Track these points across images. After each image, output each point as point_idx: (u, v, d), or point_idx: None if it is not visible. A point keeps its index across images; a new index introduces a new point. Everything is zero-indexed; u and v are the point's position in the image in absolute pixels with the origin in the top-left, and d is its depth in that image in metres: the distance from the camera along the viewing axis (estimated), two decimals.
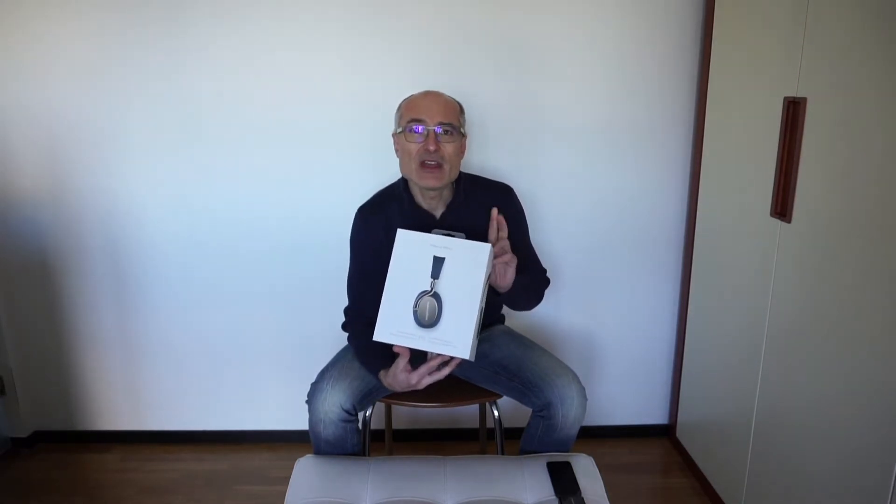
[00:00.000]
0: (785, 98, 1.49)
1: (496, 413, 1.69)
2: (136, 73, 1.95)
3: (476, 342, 1.30)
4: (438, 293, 1.30)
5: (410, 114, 1.46)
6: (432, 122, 1.44)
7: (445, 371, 1.35)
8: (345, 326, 1.64)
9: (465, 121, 1.54)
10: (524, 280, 1.46)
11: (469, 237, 1.32)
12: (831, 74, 1.34)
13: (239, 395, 2.24)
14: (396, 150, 1.53)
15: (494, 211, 1.38)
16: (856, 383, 1.28)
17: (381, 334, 1.31)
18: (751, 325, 1.68)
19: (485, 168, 2.04)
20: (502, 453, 1.71)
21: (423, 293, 1.30)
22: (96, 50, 1.93)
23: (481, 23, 1.94)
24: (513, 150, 2.05)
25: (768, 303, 1.59)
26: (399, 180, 1.59)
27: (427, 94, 1.50)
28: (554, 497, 1.34)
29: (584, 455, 1.49)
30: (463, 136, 1.50)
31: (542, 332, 2.20)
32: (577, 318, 2.21)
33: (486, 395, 1.66)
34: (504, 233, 1.38)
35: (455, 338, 1.28)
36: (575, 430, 1.53)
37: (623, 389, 2.29)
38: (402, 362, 1.36)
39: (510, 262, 1.35)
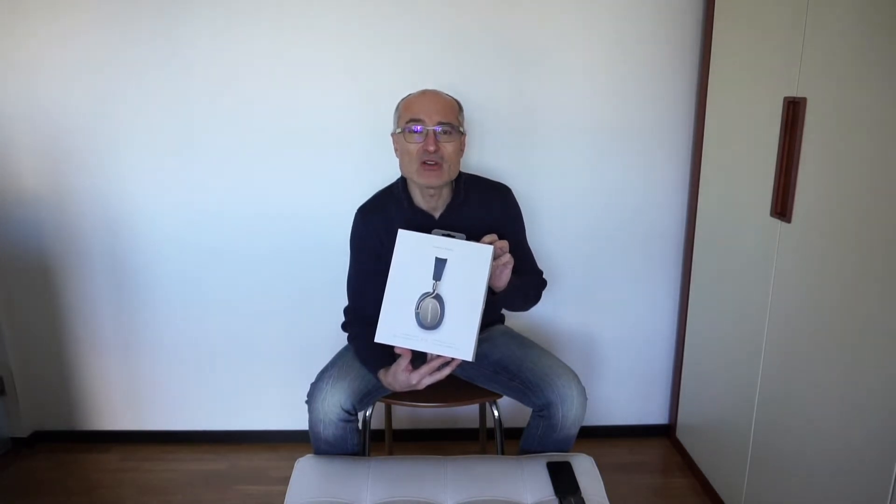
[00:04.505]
0: (785, 98, 1.49)
1: (496, 413, 1.69)
2: (136, 75, 1.95)
3: (477, 343, 1.30)
4: (441, 295, 1.30)
5: (409, 114, 1.46)
6: (431, 122, 1.43)
7: (446, 371, 1.35)
8: (345, 326, 1.64)
9: (463, 119, 1.54)
10: (520, 281, 1.46)
11: (468, 237, 1.32)
12: (831, 74, 1.34)
13: (239, 395, 2.24)
14: (396, 150, 1.53)
15: (494, 237, 1.35)
16: (856, 383, 1.28)
17: (382, 336, 1.31)
18: (751, 325, 1.68)
19: (483, 167, 2.04)
20: (502, 453, 1.71)
21: (426, 295, 1.30)
22: (97, 50, 1.93)
23: (480, 22, 1.94)
24: (512, 150, 2.05)
25: (768, 303, 1.59)
26: (398, 180, 1.59)
27: (425, 93, 1.50)
28: (554, 497, 1.34)
29: (584, 455, 1.49)
30: (462, 134, 1.50)
31: (542, 332, 2.20)
32: (577, 318, 2.21)
33: (486, 395, 1.66)
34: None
35: (457, 340, 1.28)
36: (575, 430, 1.53)
37: (623, 389, 2.29)
38: (403, 362, 1.36)
39: (508, 263, 1.35)
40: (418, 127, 1.44)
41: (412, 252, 1.32)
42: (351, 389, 1.51)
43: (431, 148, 1.43)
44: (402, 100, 1.52)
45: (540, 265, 1.68)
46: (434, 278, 1.30)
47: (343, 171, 2.04)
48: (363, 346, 1.52)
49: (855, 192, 1.27)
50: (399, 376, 1.37)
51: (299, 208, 2.07)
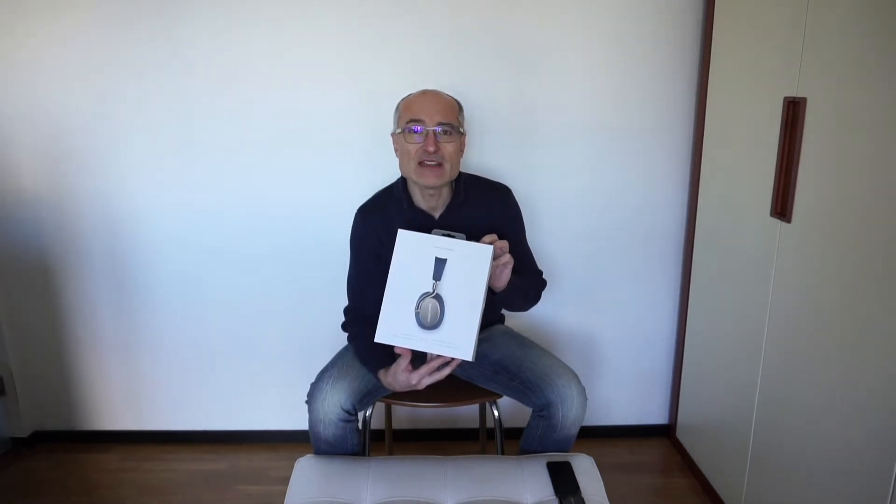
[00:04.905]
0: (785, 98, 1.49)
1: (496, 413, 1.69)
2: (136, 75, 1.95)
3: (477, 343, 1.30)
4: (440, 295, 1.30)
5: (409, 114, 1.46)
6: (431, 123, 1.43)
7: (446, 371, 1.35)
8: (345, 326, 1.64)
9: (463, 119, 1.54)
10: (520, 281, 1.46)
11: (468, 237, 1.32)
12: (831, 74, 1.34)
13: (239, 395, 2.24)
14: (396, 150, 1.53)
15: (493, 237, 1.35)
16: (856, 383, 1.28)
17: (382, 336, 1.31)
18: (751, 325, 1.68)
19: (483, 167, 2.04)
20: (502, 453, 1.71)
21: (425, 295, 1.30)
22: (97, 50, 1.93)
23: (480, 22, 1.94)
24: (512, 150, 2.05)
25: (768, 303, 1.59)
26: (398, 180, 1.59)
27: (425, 93, 1.50)
28: (554, 497, 1.34)
29: (584, 455, 1.49)
30: (462, 134, 1.50)
31: (542, 332, 2.20)
32: (577, 318, 2.21)
33: (486, 395, 1.66)
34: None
35: (457, 340, 1.28)
36: (575, 430, 1.53)
37: (623, 389, 2.29)
38: (403, 362, 1.36)
39: (508, 263, 1.35)
40: (418, 127, 1.44)
41: (412, 252, 1.32)
42: (351, 389, 1.51)
43: (431, 148, 1.42)
44: (402, 100, 1.52)
45: (540, 265, 1.68)
46: (434, 278, 1.30)
47: (343, 171, 2.04)
48: (363, 346, 1.52)
49: (855, 192, 1.27)
50: (399, 376, 1.37)
51: (299, 208, 2.07)
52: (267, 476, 2.11)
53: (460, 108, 1.53)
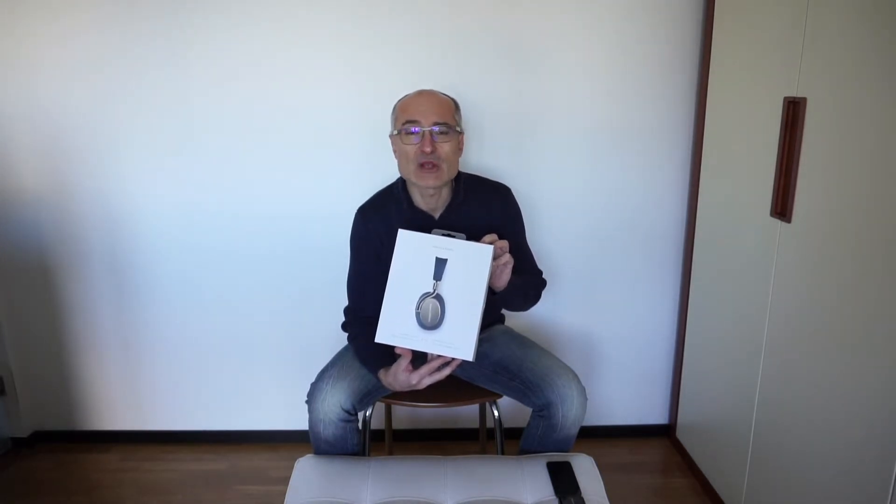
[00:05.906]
0: (785, 98, 1.49)
1: (496, 413, 1.69)
2: (136, 75, 1.95)
3: (477, 343, 1.30)
4: (441, 295, 1.30)
5: (405, 115, 1.46)
6: (427, 123, 1.43)
7: (446, 371, 1.35)
8: (345, 326, 1.64)
9: (460, 118, 1.53)
10: (520, 281, 1.46)
11: (468, 237, 1.32)
12: (831, 74, 1.34)
13: (239, 395, 2.24)
14: (394, 152, 1.53)
15: (494, 237, 1.35)
16: (856, 383, 1.28)
17: (383, 336, 1.31)
18: (751, 325, 1.68)
19: (483, 167, 2.04)
20: (502, 453, 1.71)
21: (426, 295, 1.30)
22: (97, 50, 1.93)
23: (480, 22, 1.94)
24: (512, 150, 2.05)
25: (768, 303, 1.59)
26: (398, 180, 1.59)
27: (420, 93, 1.50)
28: (554, 497, 1.34)
29: (584, 455, 1.49)
30: (459, 133, 1.50)
31: (542, 332, 2.20)
32: (577, 318, 2.21)
33: (486, 395, 1.66)
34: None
35: (458, 340, 1.28)
36: (575, 430, 1.53)
37: (623, 389, 2.29)
38: (403, 362, 1.36)
39: (508, 263, 1.35)
40: (415, 128, 1.44)
41: (412, 252, 1.32)
42: (351, 389, 1.51)
43: (428, 149, 1.42)
44: (398, 101, 1.52)
45: (540, 265, 1.68)
46: (434, 278, 1.30)
47: (343, 171, 2.04)
48: (363, 346, 1.52)
49: (855, 192, 1.27)
50: (399, 376, 1.37)
51: (299, 208, 2.07)
52: (267, 476, 2.11)
53: (457, 106, 1.52)
